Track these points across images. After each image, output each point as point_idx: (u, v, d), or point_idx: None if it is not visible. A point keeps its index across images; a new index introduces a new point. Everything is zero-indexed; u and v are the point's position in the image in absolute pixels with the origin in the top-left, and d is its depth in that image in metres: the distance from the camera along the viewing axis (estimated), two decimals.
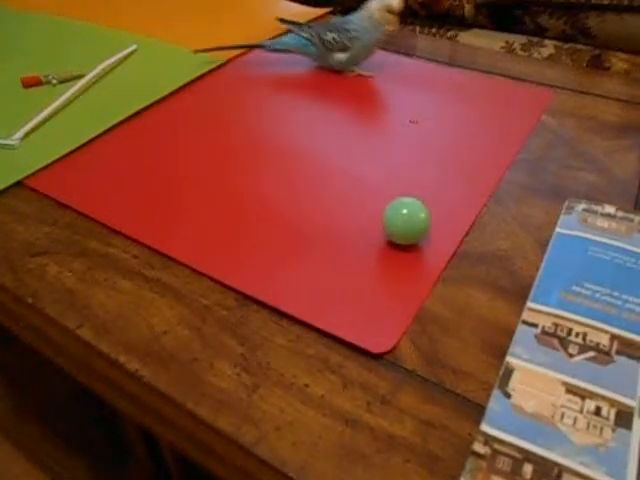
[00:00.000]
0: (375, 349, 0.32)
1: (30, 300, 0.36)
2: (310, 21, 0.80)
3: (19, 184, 0.46)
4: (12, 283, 0.37)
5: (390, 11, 0.58)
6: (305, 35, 0.63)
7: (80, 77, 0.61)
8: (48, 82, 0.61)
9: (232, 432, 0.28)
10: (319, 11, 0.83)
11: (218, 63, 0.66)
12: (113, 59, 0.65)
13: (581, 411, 0.27)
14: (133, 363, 0.32)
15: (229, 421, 0.29)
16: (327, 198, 0.44)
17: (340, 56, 0.62)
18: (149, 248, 0.39)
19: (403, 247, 0.39)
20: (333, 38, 0.61)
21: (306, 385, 0.31)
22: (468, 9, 1.00)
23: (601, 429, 0.26)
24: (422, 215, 0.38)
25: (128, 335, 0.33)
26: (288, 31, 0.75)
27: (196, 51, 0.66)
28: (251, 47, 0.67)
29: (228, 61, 0.67)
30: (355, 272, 0.37)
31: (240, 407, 0.30)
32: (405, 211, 0.38)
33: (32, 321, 0.37)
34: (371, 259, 0.38)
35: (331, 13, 0.85)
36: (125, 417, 0.50)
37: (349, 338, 0.33)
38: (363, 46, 0.61)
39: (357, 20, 0.60)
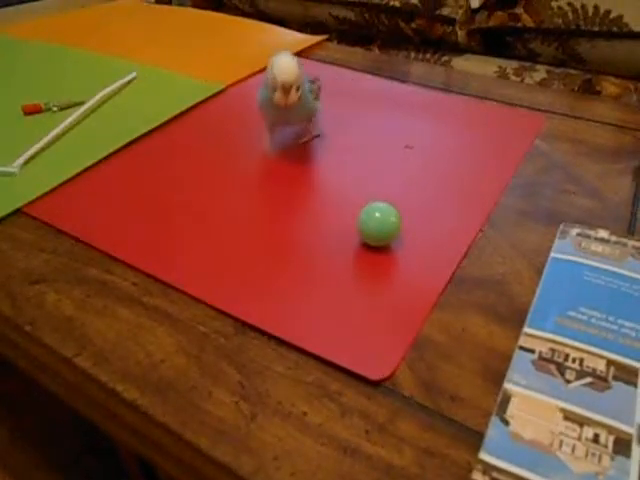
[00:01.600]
0: (373, 376, 0.32)
1: (28, 328, 0.36)
2: (305, 50, 0.81)
3: (18, 211, 0.46)
4: (10, 311, 0.37)
5: (275, 78, 0.45)
6: None
7: (80, 104, 0.62)
8: (49, 109, 0.62)
9: (230, 462, 0.28)
10: (315, 38, 0.85)
11: (217, 90, 0.67)
12: (113, 86, 0.66)
13: (579, 438, 0.27)
14: (131, 392, 0.32)
15: (227, 451, 0.29)
16: (324, 224, 0.45)
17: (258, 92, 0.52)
18: (148, 275, 0.40)
19: (401, 273, 0.40)
20: (266, 80, 0.50)
21: (304, 413, 0.31)
22: (461, 35, 1.02)
23: (600, 457, 0.26)
24: (393, 219, 0.40)
25: (126, 363, 0.33)
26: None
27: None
28: None
29: (227, 87, 0.68)
30: (353, 298, 0.38)
31: (238, 436, 0.29)
32: (378, 214, 0.40)
33: (30, 349, 0.37)
34: (369, 285, 0.39)
35: (327, 40, 0.87)
36: (122, 446, 0.50)
37: (347, 365, 0.33)
38: (265, 98, 0.50)
39: None
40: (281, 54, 0.46)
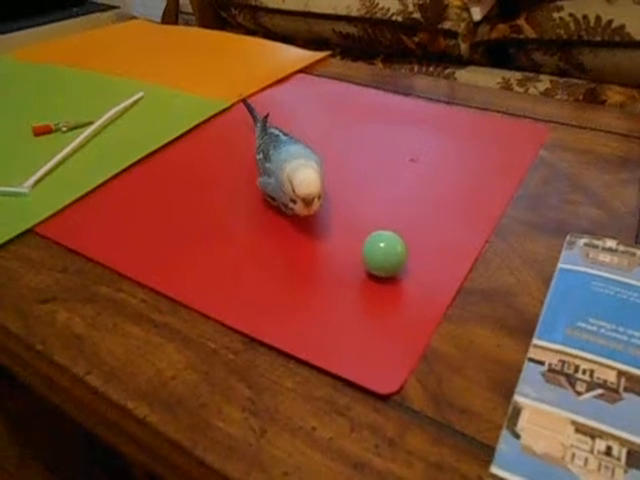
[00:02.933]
0: (382, 390, 0.32)
1: (39, 347, 0.36)
2: (309, 66, 0.82)
3: (30, 231, 0.47)
4: (22, 330, 0.37)
5: (294, 191, 0.42)
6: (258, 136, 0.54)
7: (89, 124, 0.63)
8: (58, 130, 0.63)
9: (241, 478, 0.28)
10: (319, 54, 0.86)
11: (223, 107, 0.68)
12: (121, 106, 0.67)
13: (592, 451, 0.27)
14: (141, 409, 0.32)
15: (238, 467, 0.29)
16: (327, 238, 0.45)
17: (258, 179, 0.49)
18: (157, 292, 0.40)
19: (409, 286, 0.40)
20: (259, 159, 0.49)
21: (314, 428, 0.31)
22: (464, 48, 1.03)
23: (613, 470, 0.26)
24: (399, 248, 0.39)
25: (136, 381, 0.33)
26: (286, 78, 0.77)
27: None
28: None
29: (233, 104, 0.69)
30: (360, 312, 0.38)
31: (249, 452, 0.29)
32: (383, 244, 0.39)
33: (41, 368, 0.37)
34: (376, 298, 0.39)
35: (331, 56, 0.88)
36: (133, 462, 0.50)
37: (356, 379, 0.33)
38: (270, 187, 0.46)
39: (279, 159, 0.45)
40: (300, 165, 0.42)
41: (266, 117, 0.55)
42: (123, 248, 0.44)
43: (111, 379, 0.34)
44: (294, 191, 0.42)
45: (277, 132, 0.51)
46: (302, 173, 0.42)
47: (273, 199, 0.48)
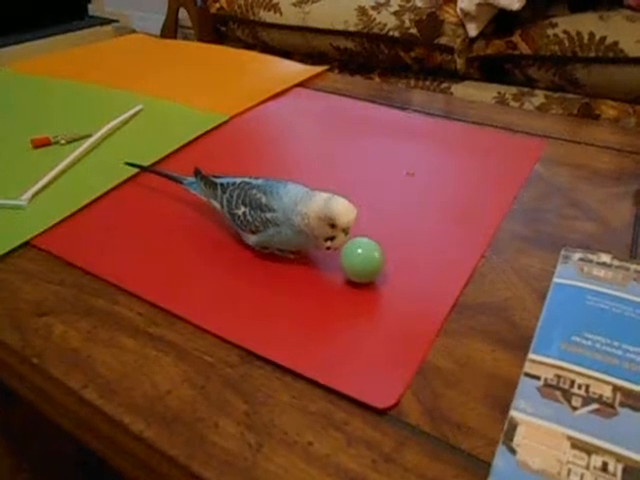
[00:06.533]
0: (379, 404, 0.32)
1: (35, 360, 0.36)
2: (307, 80, 0.83)
3: (27, 244, 0.47)
4: (18, 343, 0.37)
5: (332, 225, 0.40)
6: (207, 194, 0.48)
7: (88, 137, 0.64)
8: (57, 142, 0.64)
9: None
10: (317, 69, 0.87)
11: (222, 120, 0.68)
12: (120, 119, 0.67)
13: (587, 467, 0.27)
14: (137, 424, 0.32)
15: None
16: (328, 255, 0.45)
17: (251, 237, 0.44)
18: (154, 305, 0.40)
19: (404, 300, 0.40)
20: (244, 213, 0.44)
21: (310, 443, 0.31)
22: (460, 63, 1.04)
23: None
24: (376, 254, 0.40)
25: (132, 395, 0.33)
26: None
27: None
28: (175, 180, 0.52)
29: (231, 118, 0.69)
30: (357, 326, 0.38)
31: (245, 468, 0.29)
32: (360, 251, 0.40)
33: (37, 382, 0.37)
34: (373, 312, 0.39)
35: (328, 70, 0.89)
36: (129, 478, 0.49)
37: (352, 393, 0.33)
38: (280, 238, 0.43)
39: (284, 204, 0.42)
40: (326, 199, 0.40)
41: (197, 171, 0.49)
42: (120, 261, 0.44)
43: (107, 393, 0.34)
44: (335, 225, 0.40)
45: (239, 180, 0.46)
46: (337, 204, 0.40)
47: (282, 251, 0.45)
